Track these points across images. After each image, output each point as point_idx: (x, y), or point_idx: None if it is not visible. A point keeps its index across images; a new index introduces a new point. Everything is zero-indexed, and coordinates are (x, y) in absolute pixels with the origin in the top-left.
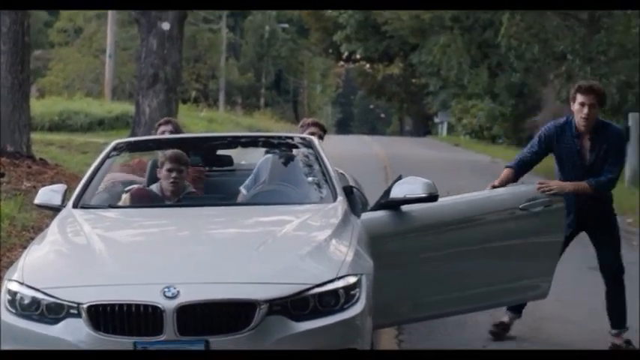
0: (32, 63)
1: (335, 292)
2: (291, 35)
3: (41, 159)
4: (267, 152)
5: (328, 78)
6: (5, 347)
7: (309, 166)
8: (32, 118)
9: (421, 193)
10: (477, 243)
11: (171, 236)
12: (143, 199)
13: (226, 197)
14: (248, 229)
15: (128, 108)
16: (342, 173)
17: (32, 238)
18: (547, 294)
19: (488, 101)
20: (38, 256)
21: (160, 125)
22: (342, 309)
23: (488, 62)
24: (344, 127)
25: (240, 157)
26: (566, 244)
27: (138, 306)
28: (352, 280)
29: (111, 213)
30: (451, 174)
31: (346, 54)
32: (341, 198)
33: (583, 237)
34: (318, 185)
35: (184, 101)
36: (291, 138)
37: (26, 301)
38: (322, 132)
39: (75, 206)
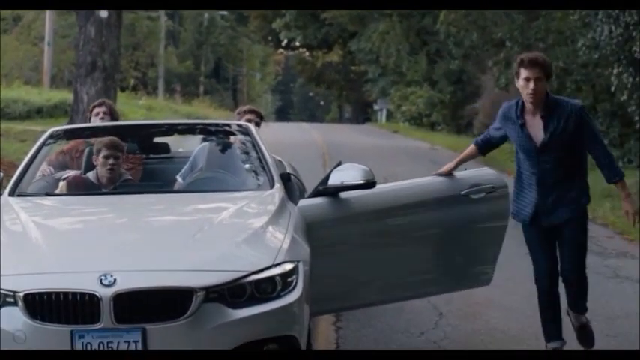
0: None
1: (272, 278)
2: (230, 23)
3: None
4: (204, 140)
5: (267, 66)
6: None
7: (246, 153)
8: None
9: (359, 179)
10: (417, 230)
11: (108, 224)
12: (79, 187)
13: (163, 185)
14: (185, 216)
15: (67, 96)
16: (279, 160)
17: None
18: (490, 281)
19: (427, 88)
20: None
21: (94, 107)
22: (278, 296)
23: (427, 49)
24: (283, 114)
25: (178, 144)
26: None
27: (75, 294)
28: (289, 266)
29: (47, 201)
30: (390, 161)
31: (285, 41)
32: (278, 185)
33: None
34: (255, 173)
35: (123, 89)
36: (228, 125)
37: None
38: (259, 119)
39: (11, 194)
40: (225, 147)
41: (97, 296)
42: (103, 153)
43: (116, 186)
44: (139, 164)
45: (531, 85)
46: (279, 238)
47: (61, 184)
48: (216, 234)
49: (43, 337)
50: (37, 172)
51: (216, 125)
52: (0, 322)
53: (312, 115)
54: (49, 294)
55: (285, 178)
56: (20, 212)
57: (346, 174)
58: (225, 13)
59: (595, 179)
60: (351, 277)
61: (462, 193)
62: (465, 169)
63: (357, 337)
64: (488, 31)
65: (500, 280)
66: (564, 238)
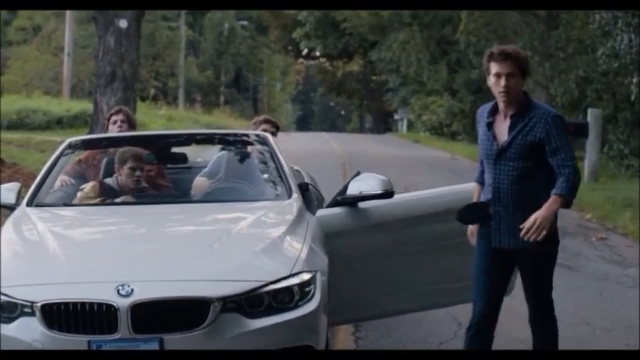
0: None
1: (289, 289)
2: (251, 33)
3: None
4: (222, 149)
5: (288, 75)
6: None
7: (264, 163)
8: None
9: (377, 189)
10: (436, 239)
11: (125, 234)
12: (102, 193)
13: (181, 195)
14: (203, 226)
15: (87, 106)
16: (297, 170)
17: None
18: (511, 290)
19: (448, 98)
20: None
21: (111, 115)
22: (296, 306)
23: (448, 59)
24: (304, 124)
25: (196, 154)
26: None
27: (92, 304)
28: (307, 276)
29: (65, 211)
30: (410, 170)
31: (305, 51)
32: (296, 195)
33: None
34: (273, 182)
35: (143, 99)
36: (247, 135)
37: None
38: (274, 129)
39: (29, 205)
40: (244, 157)
41: (114, 306)
42: (130, 164)
43: (134, 195)
44: (164, 174)
45: (502, 81)
46: (297, 247)
47: (80, 194)
48: (234, 244)
49: (61, 347)
50: (56, 183)
51: (235, 135)
52: (18, 333)
53: (333, 124)
54: (66, 304)
55: (304, 188)
56: (38, 222)
57: (365, 184)
58: (245, 22)
59: (616, 188)
60: (370, 287)
61: None
62: None
63: (375, 347)
64: (509, 40)
65: (521, 290)
66: (522, 271)
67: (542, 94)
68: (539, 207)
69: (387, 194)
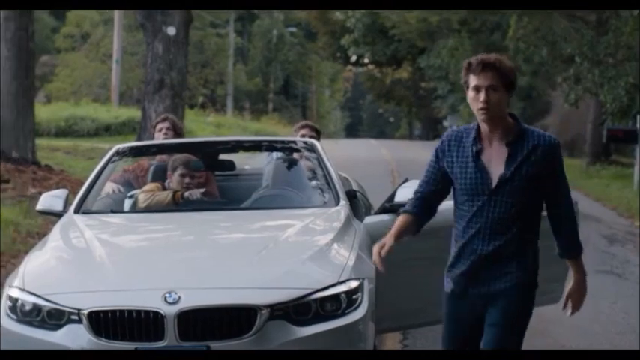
0: (39, 69)
1: (337, 296)
2: (299, 39)
3: (46, 165)
4: (269, 156)
5: (337, 82)
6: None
7: (312, 170)
8: (38, 124)
9: None
10: None
11: (172, 241)
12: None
13: (229, 202)
14: (250, 233)
15: (135, 113)
16: (345, 177)
17: None
18: (560, 299)
19: None
20: (39, 262)
21: (157, 123)
22: (344, 313)
23: None
24: (353, 131)
25: (243, 162)
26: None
27: (139, 312)
28: (354, 284)
29: (112, 218)
30: None
31: (354, 58)
32: (344, 202)
33: (587, 237)
34: (321, 189)
35: (192, 106)
36: (294, 142)
37: (27, 307)
38: (314, 133)
39: (76, 212)
40: (291, 164)
41: (161, 314)
42: (180, 171)
43: (182, 203)
44: (212, 180)
45: (482, 95)
46: (345, 255)
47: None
48: (282, 251)
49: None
50: (103, 190)
51: (282, 142)
52: (65, 340)
53: (382, 131)
54: (113, 312)
55: (351, 195)
56: (85, 230)
57: (412, 191)
58: (294, 29)
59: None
60: (419, 294)
61: None
62: None
63: None
64: (558, 46)
65: None
66: (496, 309)
67: (591, 100)
68: (526, 252)
69: None
